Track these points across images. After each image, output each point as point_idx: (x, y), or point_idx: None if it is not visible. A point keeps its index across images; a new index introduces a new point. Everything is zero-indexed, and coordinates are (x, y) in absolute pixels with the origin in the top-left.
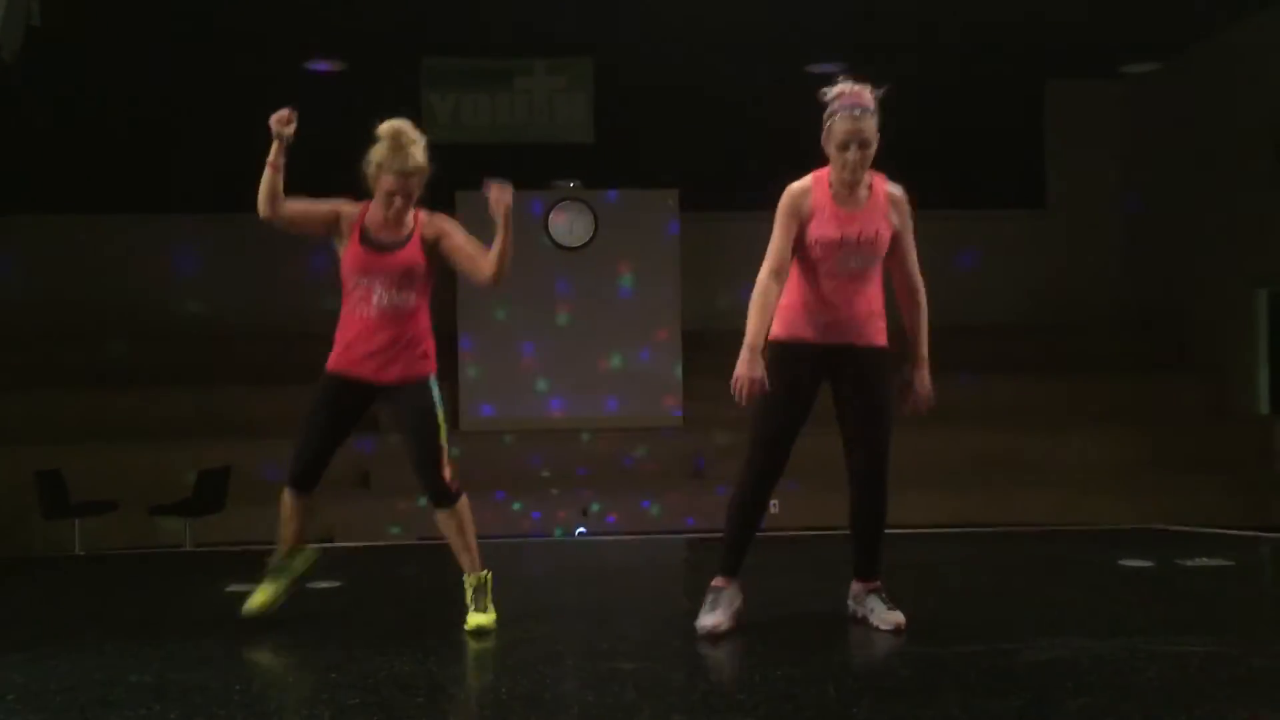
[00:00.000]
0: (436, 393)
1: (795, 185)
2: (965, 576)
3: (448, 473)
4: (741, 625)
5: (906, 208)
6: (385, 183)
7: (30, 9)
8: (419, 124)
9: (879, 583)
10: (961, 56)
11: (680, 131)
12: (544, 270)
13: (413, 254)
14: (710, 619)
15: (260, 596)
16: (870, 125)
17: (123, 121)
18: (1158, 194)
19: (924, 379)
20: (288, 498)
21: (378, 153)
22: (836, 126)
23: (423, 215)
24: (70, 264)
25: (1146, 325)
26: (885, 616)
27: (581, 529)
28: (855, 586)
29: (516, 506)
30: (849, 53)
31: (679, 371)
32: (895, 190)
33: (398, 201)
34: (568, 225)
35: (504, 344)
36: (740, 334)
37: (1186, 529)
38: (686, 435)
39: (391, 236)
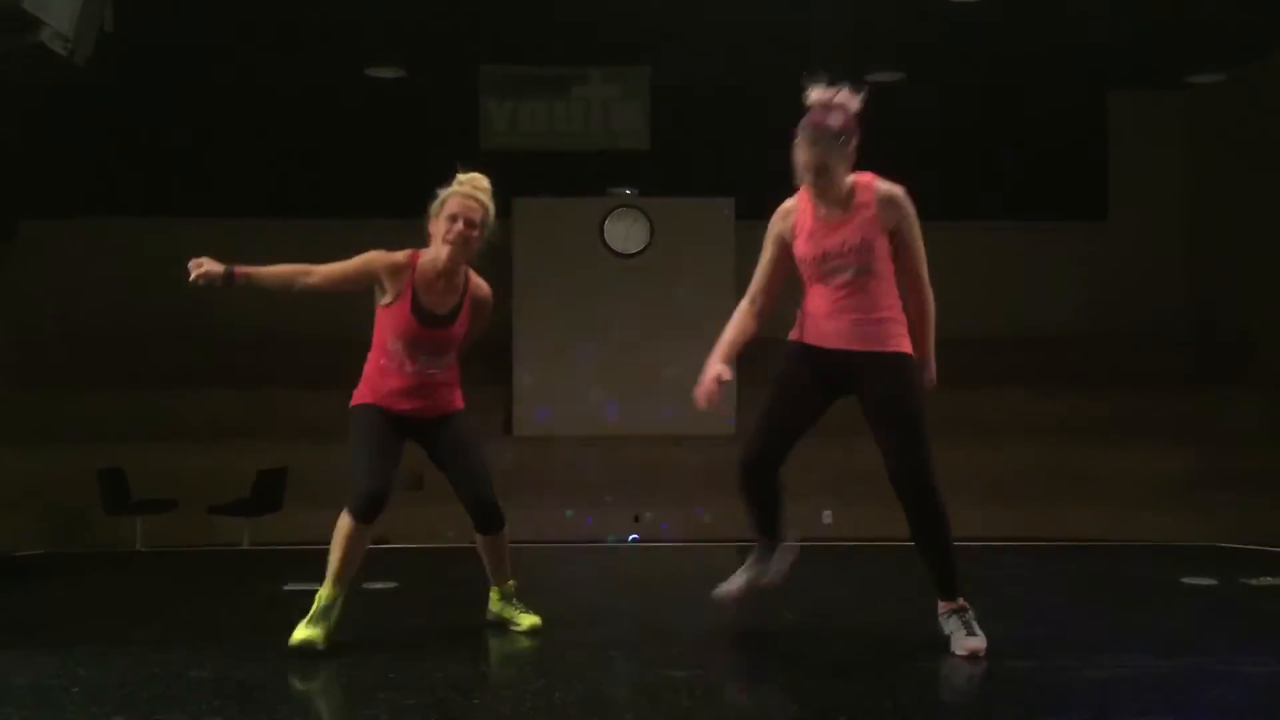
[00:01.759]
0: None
1: (782, 206)
2: (1021, 591)
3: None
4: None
5: (903, 205)
6: (451, 205)
7: (104, 15)
8: (477, 132)
9: (959, 601)
10: (1023, 66)
11: (736, 138)
12: (599, 277)
13: (462, 326)
14: (727, 586)
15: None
16: (823, 150)
17: (186, 126)
18: (1221, 206)
19: (928, 377)
20: (351, 528)
21: (448, 190)
22: (797, 145)
23: (474, 278)
24: (134, 267)
25: (1207, 339)
26: (963, 642)
27: (634, 535)
28: (941, 607)
29: (569, 513)
30: (908, 62)
31: (733, 380)
32: (887, 189)
33: (459, 226)
34: (623, 232)
35: (558, 350)
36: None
37: (1251, 547)
38: (739, 444)
39: (444, 304)
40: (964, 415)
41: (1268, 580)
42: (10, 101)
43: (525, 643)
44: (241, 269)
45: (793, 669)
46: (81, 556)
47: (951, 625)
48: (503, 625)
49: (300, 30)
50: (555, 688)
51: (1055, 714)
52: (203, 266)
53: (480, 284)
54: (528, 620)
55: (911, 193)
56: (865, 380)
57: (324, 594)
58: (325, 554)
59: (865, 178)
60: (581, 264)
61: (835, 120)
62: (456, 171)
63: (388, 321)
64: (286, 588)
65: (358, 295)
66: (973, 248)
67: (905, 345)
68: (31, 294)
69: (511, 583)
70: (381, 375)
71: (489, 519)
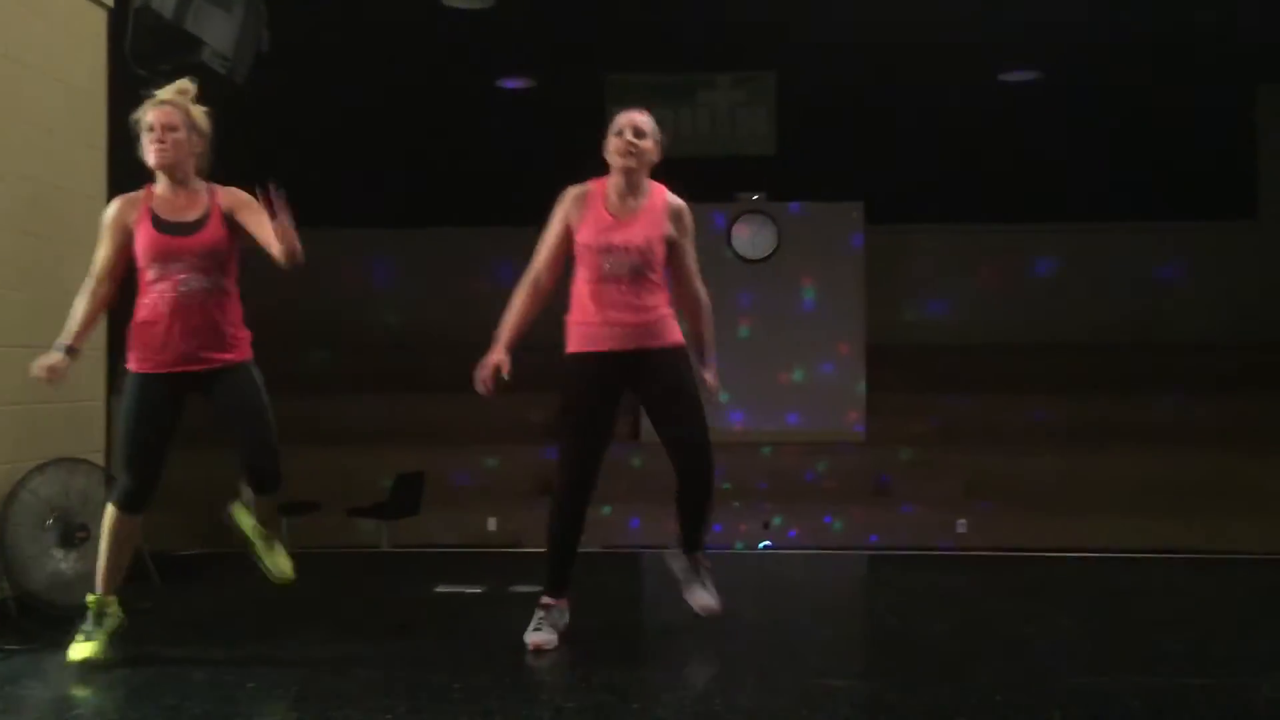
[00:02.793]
0: (258, 376)
1: (573, 187)
2: (1188, 605)
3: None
4: (565, 640)
5: (688, 219)
6: (147, 117)
7: (261, 35)
8: (603, 140)
9: (706, 560)
10: (1166, 60)
11: (863, 142)
12: (727, 282)
13: (212, 234)
14: (539, 636)
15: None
16: (648, 141)
17: (328, 139)
18: None
19: (711, 378)
20: (115, 518)
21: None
22: (617, 119)
23: (220, 188)
24: (279, 276)
25: None
26: (698, 596)
27: (767, 542)
28: (682, 555)
29: (774, 521)
30: (1043, 60)
31: (862, 386)
32: (676, 200)
33: (155, 134)
34: (750, 238)
35: None
36: (925, 349)
37: None
38: (869, 451)
39: (185, 215)
40: (1111, 422)
41: None
42: None
43: (679, 648)
44: (72, 341)
45: (951, 680)
46: (235, 555)
47: (690, 576)
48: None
49: (433, 42)
50: (715, 696)
51: None
52: (49, 366)
53: (230, 190)
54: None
55: (1046, 195)
56: (646, 374)
57: (93, 601)
58: (462, 557)
59: (657, 186)
60: (709, 270)
61: (647, 119)
62: None
63: (140, 252)
64: (438, 589)
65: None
66: (1115, 250)
67: (679, 336)
68: None
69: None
70: (152, 322)
71: (264, 481)
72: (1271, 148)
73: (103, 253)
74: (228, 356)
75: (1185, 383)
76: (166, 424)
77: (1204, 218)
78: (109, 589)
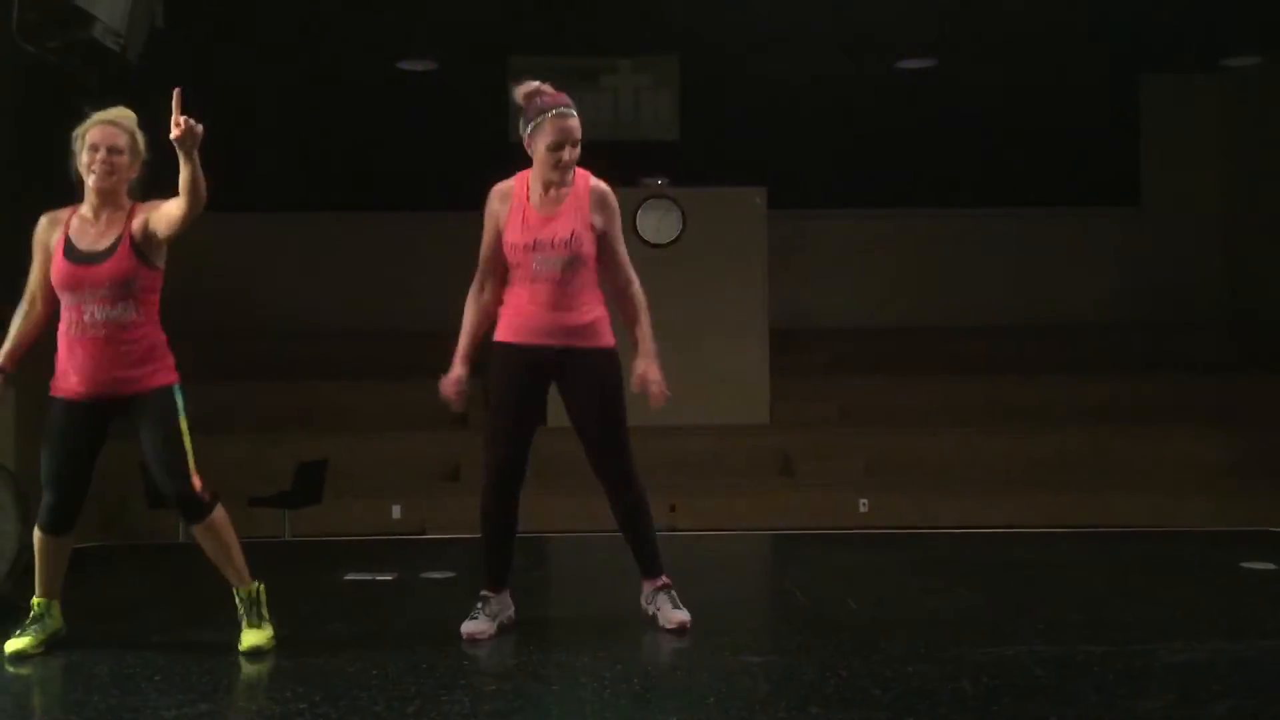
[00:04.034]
0: (179, 400)
1: (497, 186)
2: (1082, 576)
3: (198, 481)
4: (507, 631)
5: (613, 205)
6: (92, 134)
7: (155, 10)
8: (506, 123)
9: (665, 579)
10: (1054, 51)
11: (767, 128)
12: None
13: (123, 262)
14: (473, 625)
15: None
16: (578, 124)
17: (229, 120)
18: (1257, 190)
19: (652, 372)
20: (41, 539)
21: (87, 123)
22: (550, 124)
23: (137, 208)
24: (172, 262)
25: (1243, 324)
26: (671, 615)
27: (673, 526)
28: (645, 586)
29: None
30: (939, 49)
31: (766, 370)
32: (600, 186)
33: (101, 155)
34: (655, 223)
35: None
36: (827, 332)
37: None
38: (773, 434)
39: (100, 242)
40: (1004, 403)
41: None
42: (62, 101)
43: (596, 630)
44: (2, 361)
45: (868, 654)
46: (134, 548)
47: (659, 602)
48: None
49: (332, 25)
50: (634, 674)
51: (1139, 697)
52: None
53: (141, 207)
54: (248, 638)
55: (945, 180)
56: (571, 374)
57: (35, 602)
58: (370, 544)
59: (579, 172)
60: None
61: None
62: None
63: (54, 279)
64: (348, 578)
65: (389, 286)
66: (1008, 235)
67: (610, 339)
68: None
69: (252, 587)
70: (65, 348)
71: (183, 507)
72: (1153, 136)
73: (35, 273)
74: (141, 385)
75: (1071, 364)
76: (83, 448)
77: (1090, 204)
78: (46, 594)
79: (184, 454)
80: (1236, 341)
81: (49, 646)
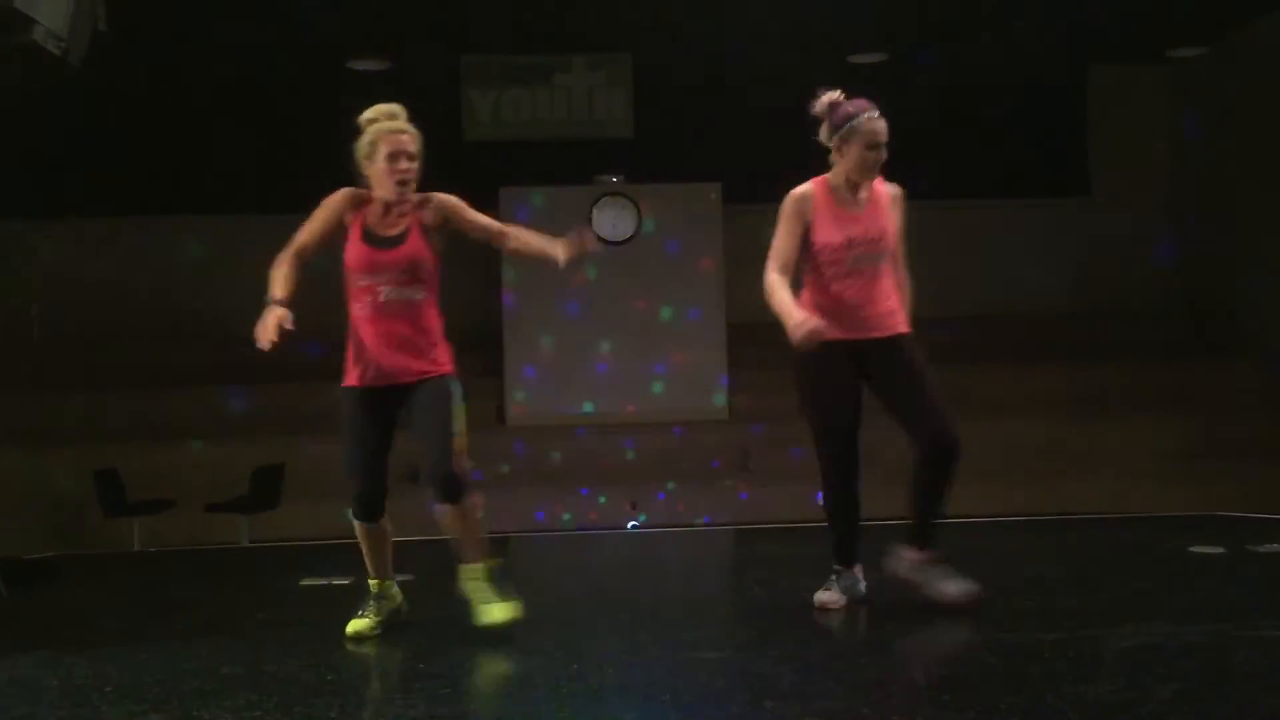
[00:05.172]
0: (455, 389)
1: (796, 190)
2: (1035, 564)
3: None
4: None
5: (903, 205)
6: (387, 143)
7: (97, 13)
8: (460, 122)
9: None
10: (1002, 42)
11: (721, 124)
12: (588, 264)
13: (415, 246)
14: (824, 595)
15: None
16: (885, 125)
17: (171, 123)
18: (1204, 178)
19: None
20: (360, 528)
21: (373, 127)
22: (865, 126)
23: (416, 199)
24: (122, 265)
25: (1194, 311)
26: (953, 586)
27: (634, 522)
28: (913, 556)
29: (565, 514)
30: (890, 42)
31: (724, 365)
32: (894, 189)
33: (403, 164)
34: (611, 220)
35: (548, 338)
36: (782, 326)
37: (1254, 515)
38: (732, 428)
39: (393, 229)
40: (959, 392)
41: (1275, 547)
42: (4, 103)
43: (550, 626)
44: (277, 297)
45: (823, 647)
46: (88, 558)
47: (932, 576)
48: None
49: (281, 25)
50: (591, 674)
51: (1087, 683)
52: (266, 331)
53: (433, 200)
54: (493, 612)
55: (898, 173)
56: (879, 363)
57: (370, 585)
58: (327, 549)
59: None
60: None
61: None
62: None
63: (348, 261)
64: (303, 583)
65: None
66: (960, 226)
67: (907, 327)
68: (18, 294)
69: (484, 564)
70: (358, 336)
71: (440, 489)
72: (1101, 127)
73: (311, 226)
74: (425, 373)
75: (1024, 353)
76: (379, 436)
77: (1041, 194)
78: (380, 576)
79: (453, 438)
80: (1186, 328)
81: (385, 627)
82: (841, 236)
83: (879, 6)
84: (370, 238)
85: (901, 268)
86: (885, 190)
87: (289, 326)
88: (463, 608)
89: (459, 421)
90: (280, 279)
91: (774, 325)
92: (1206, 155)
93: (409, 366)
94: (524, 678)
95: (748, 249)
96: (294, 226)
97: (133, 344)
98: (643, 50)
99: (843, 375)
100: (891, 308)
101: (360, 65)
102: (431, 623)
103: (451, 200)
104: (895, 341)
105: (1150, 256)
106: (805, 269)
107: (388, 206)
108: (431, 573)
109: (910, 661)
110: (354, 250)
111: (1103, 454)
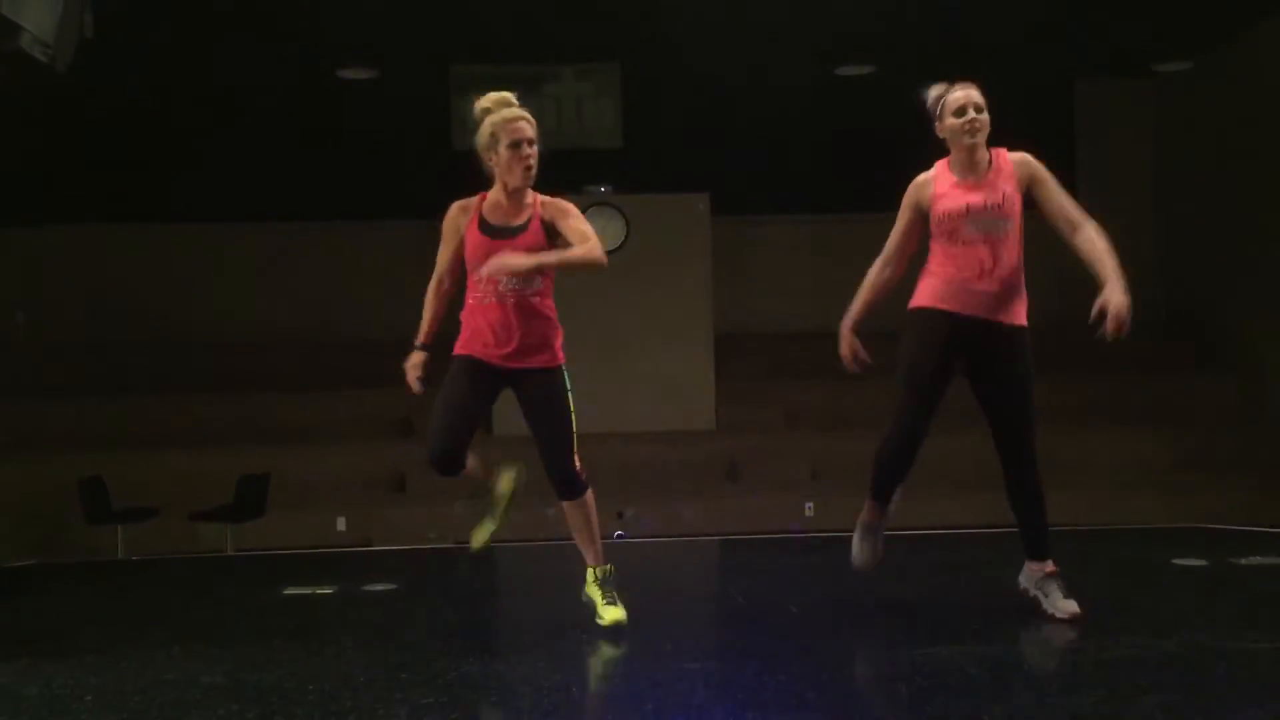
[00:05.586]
0: (567, 381)
1: (919, 176)
2: (1015, 575)
3: (578, 461)
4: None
5: (1034, 166)
6: (508, 132)
7: (84, 20)
8: (449, 132)
9: (1051, 565)
10: (990, 56)
11: (710, 135)
12: (575, 275)
13: (534, 236)
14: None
15: (483, 532)
16: (979, 94)
17: (157, 131)
18: (1189, 193)
19: (1113, 297)
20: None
21: (490, 119)
22: (948, 97)
23: (540, 197)
24: (108, 273)
25: (1178, 325)
26: (1060, 604)
27: (620, 533)
28: (1029, 567)
29: (550, 511)
30: (878, 55)
31: (711, 376)
32: (1018, 155)
33: (524, 151)
34: (599, 230)
35: None
36: (772, 337)
37: (1236, 528)
38: (720, 439)
39: (512, 220)
40: (945, 404)
41: (1256, 559)
42: None
43: (535, 639)
44: (417, 343)
45: (802, 659)
46: (71, 566)
47: (1048, 587)
48: (518, 623)
49: (272, 33)
50: (572, 682)
51: (1069, 694)
52: (409, 378)
53: (548, 201)
54: (610, 614)
55: (878, 186)
56: (987, 347)
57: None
58: (311, 558)
59: (997, 149)
60: None
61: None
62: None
63: (467, 255)
64: (287, 592)
65: (331, 299)
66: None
67: (1025, 319)
68: (2, 302)
69: (604, 568)
70: (472, 313)
71: (562, 485)
72: (1088, 140)
73: (444, 253)
74: (538, 362)
75: None
76: (476, 404)
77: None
78: (486, 476)
79: (571, 434)
80: (1171, 341)
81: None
82: (960, 204)
83: (867, 19)
84: (488, 228)
85: (1085, 221)
86: (1009, 159)
87: (420, 375)
88: (447, 616)
89: (573, 418)
90: (425, 319)
91: (761, 336)
92: (1191, 170)
93: (525, 356)
94: (507, 688)
95: (735, 259)
96: (283, 234)
97: (118, 351)
98: (631, 61)
99: (942, 343)
100: (1014, 291)
101: (349, 74)
102: (414, 632)
103: (565, 205)
104: (1008, 337)
105: (1134, 269)
106: (932, 241)
107: (510, 195)
108: (416, 582)
109: (893, 673)
110: (472, 241)
111: (1086, 466)
